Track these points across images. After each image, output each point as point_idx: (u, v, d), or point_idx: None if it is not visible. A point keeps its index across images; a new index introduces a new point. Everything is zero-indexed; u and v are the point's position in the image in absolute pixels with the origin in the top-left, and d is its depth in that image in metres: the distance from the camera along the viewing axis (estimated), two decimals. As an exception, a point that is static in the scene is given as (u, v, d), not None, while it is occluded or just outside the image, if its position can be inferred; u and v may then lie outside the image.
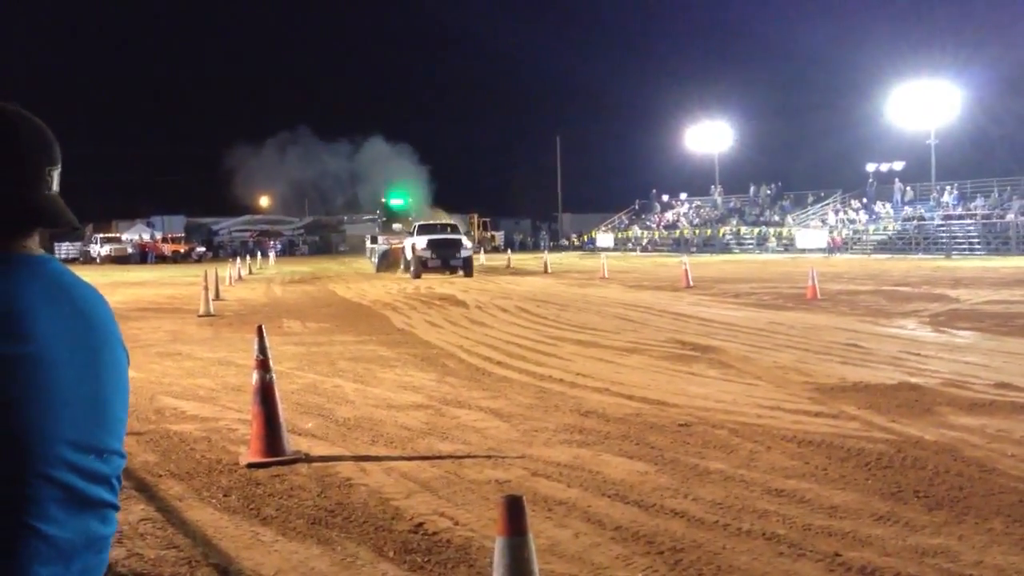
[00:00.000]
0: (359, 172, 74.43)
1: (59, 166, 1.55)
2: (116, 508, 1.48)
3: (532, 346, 13.15)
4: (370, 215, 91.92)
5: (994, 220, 44.60)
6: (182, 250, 63.98)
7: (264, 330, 6.94)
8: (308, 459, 6.76)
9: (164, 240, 66.19)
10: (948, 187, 50.96)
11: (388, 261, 38.06)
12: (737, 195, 67.59)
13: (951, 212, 48.25)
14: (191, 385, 10.36)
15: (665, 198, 74.44)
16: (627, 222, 74.99)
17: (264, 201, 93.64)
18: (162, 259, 60.80)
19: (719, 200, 67.99)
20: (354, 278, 34.96)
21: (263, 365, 6.83)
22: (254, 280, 35.83)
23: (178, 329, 16.62)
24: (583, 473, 6.22)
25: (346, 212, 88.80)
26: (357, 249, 78.95)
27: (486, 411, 8.46)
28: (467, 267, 32.60)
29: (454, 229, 35.34)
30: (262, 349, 6.84)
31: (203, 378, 10.92)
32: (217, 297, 23.12)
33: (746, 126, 69.27)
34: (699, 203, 70.41)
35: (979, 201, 48.06)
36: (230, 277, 32.94)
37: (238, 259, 42.15)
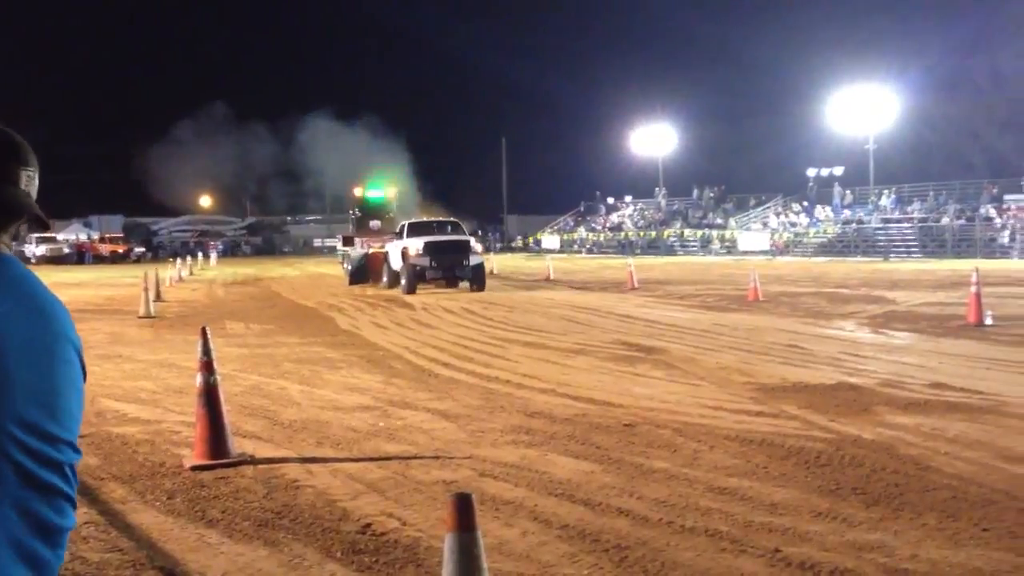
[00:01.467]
0: (304, 160, 60.58)
1: (32, 168, 1.57)
2: (72, 501, 1.49)
3: (479, 347, 13.18)
4: (315, 215, 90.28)
5: (930, 223, 45.53)
6: (120, 250, 62.91)
7: (208, 331, 6.89)
8: (253, 461, 6.73)
9: (102, 240, 65.00)
10: (886, 191, 51.90)
11: (366, 270, 29.24)
12: (681, 198, 68.22)
13: (889, 216, 49.16)
14: (132, 388, 10.23)
15: (610, 200, 74.91)
16: (573, 224, 75.35)
17: (205, 201, 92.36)
18: (100, 260, 59.74)
19: (663, 203, 68.58)
20: (306, 286, 34.60)
21: (207, 367, 6.78)
22: (195, 281, 35.42)
23: (118, 331, 16.39)
24: (530, 473, 6.27)
25: (291, 212, 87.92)
26: (301, 250, 78.30)
27: (433, 412, 8.49)
28: (478, 278, 25.16)
29: (457, 228, 27.61)
30: (206, 351, 6.80)
31: (145, 380, 10.79)
32: (158, 298, 22.84)
33: (689, 129, 69.94)
34: (643, 205, 70.96)
35: (916, 205, 49.04)
36: (170, 278, 32.52)
37: (179, 260, 41.59)
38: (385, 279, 27.50)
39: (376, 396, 9.42)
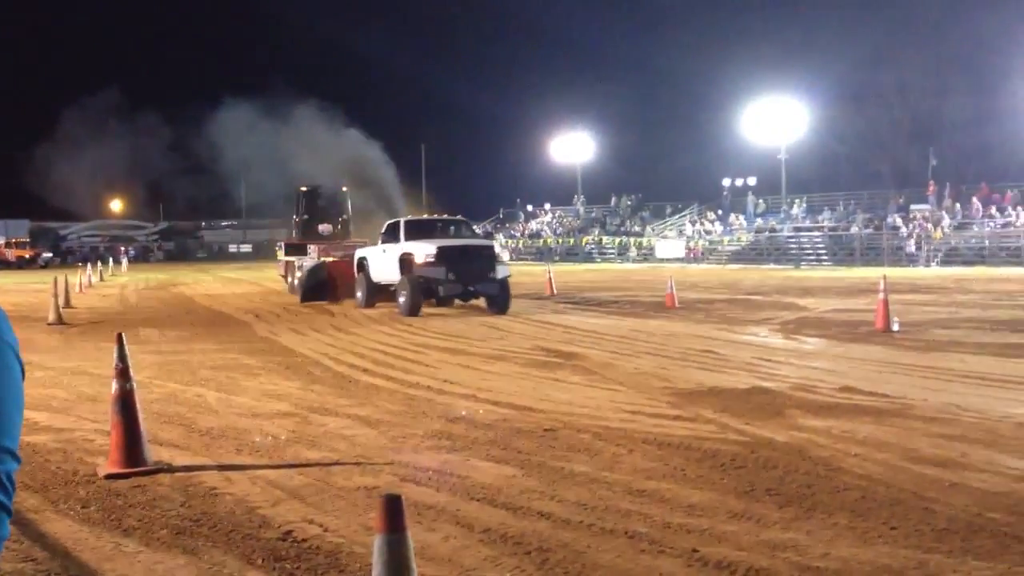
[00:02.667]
0: (215, 158, 47.55)
1: None
2: (7, 510, 1.47)
3: (399, 354, 13.15)
4: (231, 220, 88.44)
5: (840, 232, 46.73)
6: (27, 255, 61.17)
7: (124, 338, 6.77)
8: (170, 469, 6.63)
9: (7, 245, 63.07)
10: (797, 200, 53.12)
11: (325, 283, 23.30)
12: (599, 205, 68.87)
13: (800, 224, 50.33)
14: (43, 395, 9.98)
15: (529, 208, 75.26)
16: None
17: (116, 205, 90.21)
18: (5, 265, 57.98)
19: (581, 210, 69.14)
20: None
21: (123, 374, 6.66)
22: (106, 287, 34.63)
23: (26, 338, 15.93)
24: (452, 478, 6.30)
25: (205, 217, 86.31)
26: (216, 256, 76.89)
27: (354, 418, 8.45)
28: (503, 297, 19.37)
29: (468, 229, 22.70)
30: (122, 357, 6.68)
31: (56, 388, 10.54)
32: (67, 304, 22.26)
33: (608, 138, 70.68)
34: (562, 213, 71.45)
35: (826, 214, 50.28)
36: (80, 284, 31.71)
37: (89, 265, 40.56)
38: (360, 295, 21.57)
39: (295, 403, 9.34)
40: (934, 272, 35.64)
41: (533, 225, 72.07)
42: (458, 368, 11.67)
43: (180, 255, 78.84)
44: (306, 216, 30.50)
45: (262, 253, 68.67)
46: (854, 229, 45.96)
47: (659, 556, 4.71)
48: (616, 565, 4.58)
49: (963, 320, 16.48)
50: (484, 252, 19.98)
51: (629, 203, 65.91)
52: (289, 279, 28.05)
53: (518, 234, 71.13)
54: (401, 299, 19.09)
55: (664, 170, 71.77)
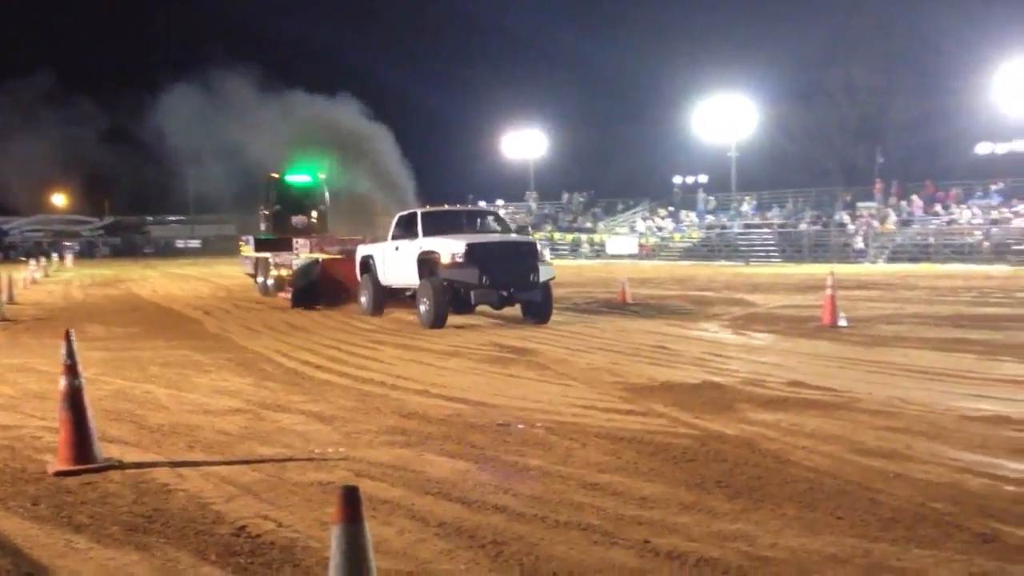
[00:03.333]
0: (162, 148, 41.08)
1: None
2: None
3: (352, 350, 13.12)
4: (178, 216, 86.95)
5: (788, 229, 47.34)
6: (-32, 251, 59.92)
7: (72, 334, 6.69)
8: (121, 466, 6.56)
9: (-52, 240, 61.68)
10: (747, 198, 53.73)
11: (317, 286, 20.49)
12: (551, 202, 69.10)
13: (750, 221, 50.91)
14: (-11, 393, 9.82)
15: (482, 204, 75.28)
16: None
17: (60, 200, 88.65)
18: (-54, 261, 56.82)
19: (534, 206, 69.31)
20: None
21: (71, 370, 6.58)
22: (51, 283, 34.08)
23: (-30, 334, 15.66)
24: (406, 472, 6.32)
25: (153, 212, 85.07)
26: (164, 252, 75.84)
27: (307, 414, 8.43)
28: (545, 304, 16.59)
29: (500, 223, 19.11)
30: (70, 353, 6.60)
31: (2, 385, 10.37)
32: (11, 301, 21.90)
33: (560, 135, 70.85)
34: (514, 209, 71.56)
35: (775, 211, 50.91)
36: (24, 280, 31.19)
37: (32, 261, 39.87)
38: (365, 300, 18.57)
39: (248, 399, 9.29)
40: (880, 269, 36.25)
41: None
42: (412, 364, 11.68)
43: (126, 251, 77.62)
44: (278, 207, 27.47)
45: (211, 249, 67.96)
46: (802, 226, 46.59)
47: (611, 547, 4.77)
48: (569, 557, 4.63)
49: (908, 316, 16.81)
50: (524, 250, 16.62)
51: (581, 200, 66.22)
52: (260, 278, 25.43)
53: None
54: (422, 307, 15.94)
55: (616, 167, 72.21)
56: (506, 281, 15.87)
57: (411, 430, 7.69)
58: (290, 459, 6.76)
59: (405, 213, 18.42)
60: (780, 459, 6.51)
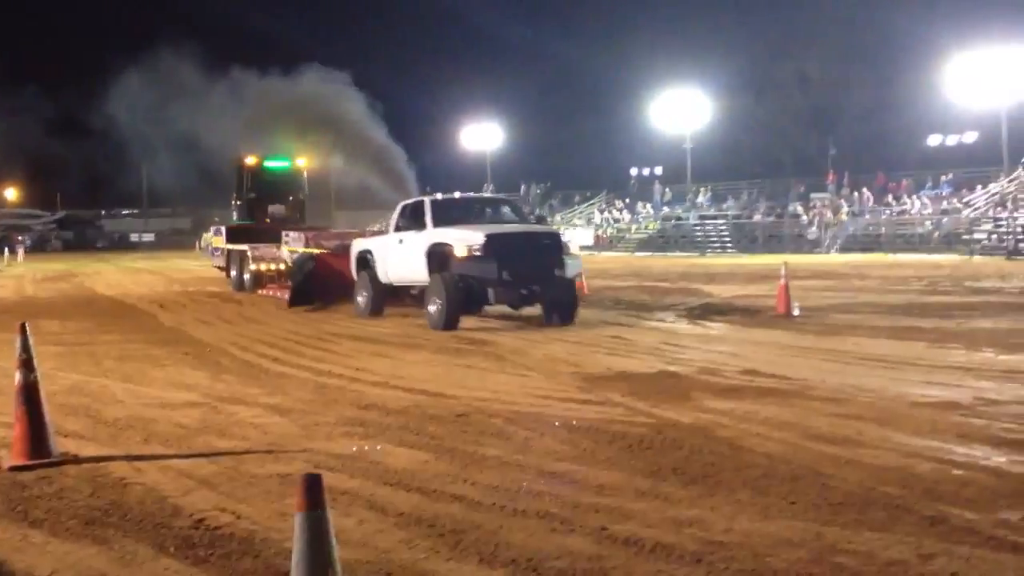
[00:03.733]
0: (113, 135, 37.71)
1: None
2: None
3: (309, 342, 13.09)
4: (131, 209, 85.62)
5: (743, 220, 47.81)
6: (-83, 245, 58.69)
7: (27, 327, 6.63)
8: (77, 460, 6.51)
9: None
10: (703, 189, 54.13)
11: (312, 284, 18.29)
12: (508, 194, 69.13)
13: (705, 212, 51.31)
14: (-61, 388, 9.66)
15: (439, 196, 75.10)
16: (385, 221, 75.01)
17: (11, 194, 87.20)
18: None
19: (491, 198, 69.35)
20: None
21: (26, 364, 6.52)
22: (1, 278, 33.52)
23: (-81, 330, 15.38)
24: (365, 464, 6.33)
25: (106, 205, 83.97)
26: (117, 245, 74.86)
27: (265, 407, 8.41)
28: (571, 301, 14.83)
29: (517, 212, 17.47)
30: (25, 348, 6.54)
31: (-47, 381, 10.21)
32: (-38, 295, 21.54)
33: (517, 127, 70.82)
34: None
35: (730, 202, 51.36)
36: (-25, 274, 30.67)
37: (-17, 255, 39.20)
38: (362, 300, 16.62)
39: (204, 392, 9.24)
40: (833, 259, 36.73)
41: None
42: (370, 356, 11.67)
43: (79, 245, 76.53)
44: (253, 195, 25.27)
45: (165, 242, 67.23)
46: (757, 217, 47.07)
47: (569, 535, 4.83)
48: (528, 544, 4.68)
49: (860, 305, 17.08)
50: (547, 242, 15.03)
51: (538, 191, 66.34)
52: (234, 272, 23.55)
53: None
54: (432, 307, 14.17)
55: (573, 159, 72.40)
56: (529, 277, 14.15)
57: (370, 421, 7.70)
58: (248, 452, 6.74)
59: (410, 201, 16.79)
60: (734, 446, 6.61)
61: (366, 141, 25.18)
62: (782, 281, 15.49)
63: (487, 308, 14.87)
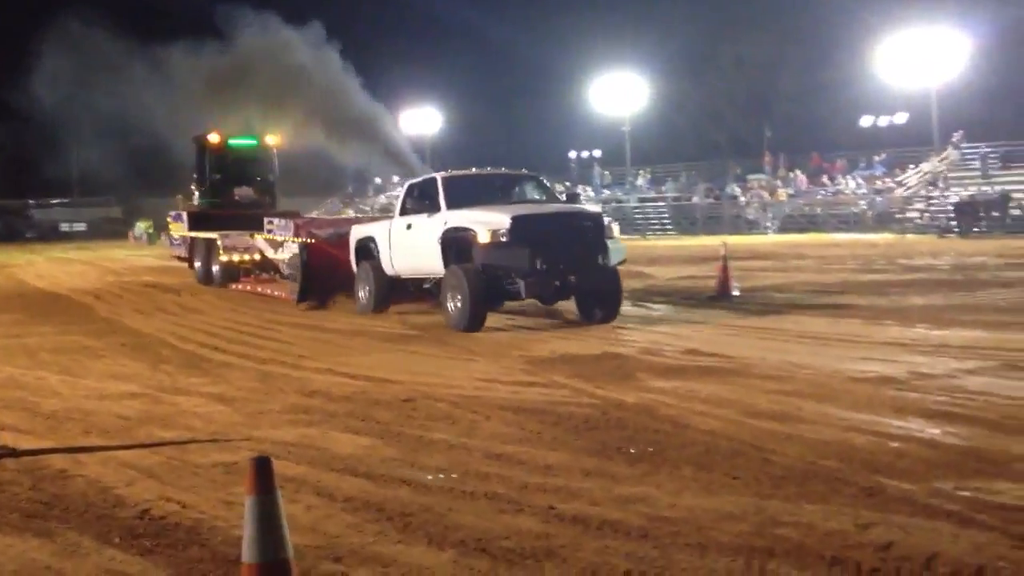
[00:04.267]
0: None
1: None
2: None
3: (251, 331, 12.97)
4: (61, 198, 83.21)
5: (683, 202, 48.21)
6: None
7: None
8: (15, 453, 6.41)
9: None
10: (642, 172, 54.46)
11: (316, 279, 15.94)
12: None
13: (645, 195, 51.63)
14: None
15: (378, 181, 74.64)
16: (341, 205, 74.54)
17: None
18: None
19: (431, 184, 69.10)
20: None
21: (-40, 357, 6.38)
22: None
23: None
24: (311, 450, 6.32)
25: (34, 195, 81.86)
26: (48, 236, 73.10)
27: (207, 396, 8.33)
28: (614, 294, 12.74)
29: (543, 190, 15.07)
30: (-42, 340, 6.41)
31: None
32: None
33: (456, 111, 70.58)
34: (412, 186, 71.16)
35: (669, 184, 51.74)
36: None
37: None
38: (364, 294, 14.71)
39: (145, 383, 9.12)
40: (771, 239, 37.24)
41: (383, 199, 71.59)
42: (313, 343, 11.61)
43: (7, 235, 74.43)
44: (217, 176, 22.77)
45: (97, 232, 65.92)
46: (695, 199, 47.50)
47: (518, 515, 4.88)
48: (476, 525, 4.72)
49: (798, 284, 17.37)
50: (587, 224, 12.93)
51: (479, 176, 66.20)
52: (198, 263, 21.43)
53: (368, 208, 70.55)
54: (451, 304, 12.27)
55: (512, 142, 72.28)
56: (567, 265, 12.15)
57: (315, 408, 7.68)
58: (192, 441, 6.68)
59: (418, 180, 14.83)
60: (678, 424, 6.70)
61: (350, 106, 22.81)
62: (722, 262, 15.69)
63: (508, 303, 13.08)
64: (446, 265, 12.66)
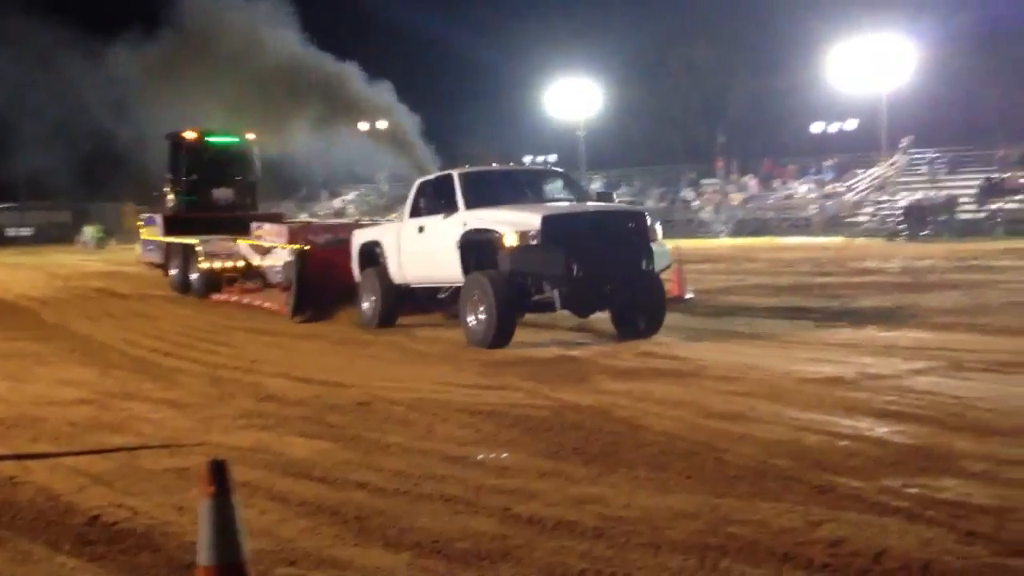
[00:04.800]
0: None
1: None
2: None
3: (202, 335, 12.84)
4: (6, 203, 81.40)
5: (637, 207, 48.52)
6: None
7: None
8: (-39, 461, 6.29)
9: None
10: (596, 176, 54.69)
11: (313, 290, 14.56)
12: (403, 183, 68.74)
13: (599, 200, 51.82)
14: None
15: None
16: (294, 210, 74.00)
17: None
18: None
19: (386, 187, 68.85)
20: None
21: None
22: None
23: None
24: (265, 455, 6.27)
25: None
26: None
27: (159, 402, 8.24)
28: (658, 305, 11.48)
29: (575, 187, 13.95)
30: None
31: None
32: None
33: (410, 115, 70.36)
34: (366, 190, 70.89)
35: (623, 189, 52.01)
36: None
37: None
38: (368, 305, 13.28)
39: (94, 389, 8.99)
40: (725, 242, 37.60)
41: (336, 203, 71.20)
42: (266, 347, 11.53)
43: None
44: (194, 177, 21.27)
45: (44, 237, 64.82)
46: (650, 203, 47.81)
47: (474, 516, 4.88)
48: (432, 527, 4.72)
49: (750, 287, 17.55)
50: (630, 225, 11.49)
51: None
52: (174, 271, 20.01)
53: (321, 212, 70.11)
54: (471, 318, 10.95)
55: (466, 147, 72.21)
56: (607, 272, 10.87)
57: (269, 413, 7.62)
58: (143, 447, 6.61)
59: (432, 177, 13.42)
60: (633, 425, 6.75)
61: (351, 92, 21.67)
62: (675, 265, 15.78)
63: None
64: (465, 272, 11.28)
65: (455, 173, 12.43)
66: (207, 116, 22.23)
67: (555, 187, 13.58)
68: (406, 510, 5.00)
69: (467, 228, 11.37)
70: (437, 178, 13.02)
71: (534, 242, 10.60)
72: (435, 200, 12.25)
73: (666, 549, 4.32)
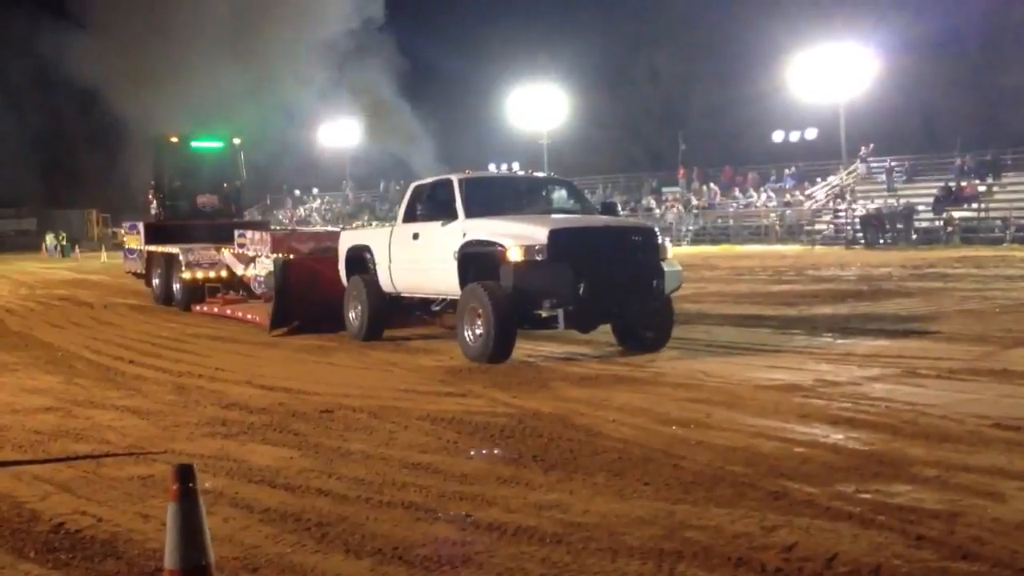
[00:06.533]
0: None
1: None
2: None
3: (166, 344, 12.82)
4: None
5: (600, 214, 48.78)
6: None
7: None
8: (-77, 471, 6.28)
9: None
10: (561, 184, 54.92)
11: (295, 301, 13.76)
12: (368, 191, 68.64)
13: (563, 207, 52.04)
14: None
15: (297, 193, 73.94)
16: (259, 217, 73.59)
17: None
18: None
19: (351, 195, 68.73)
20: None
21: None
22: None
23: None
24: (229, 463, 6.32)
25: None
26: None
27: (123, 410, 8.24)
28: (665, 322, 10.99)
29: (576, 195, 13.02)
30: None
31: None
32: None
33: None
34: (331, 198, 70.70)
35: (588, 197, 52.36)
36: None
37: None
38: (354, 316, 12.69)
39: (58, 397, 8.98)
40: (684, 250, 37.87)
41: (301, 211, 70.94)
42: (229, 355, 11.54)
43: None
44: (177, 183, 20.85)
45: (8, 245, 64.01)
46: (614, 211, 48.12)
47: (435, 523, 4.97)
48: (394, 534, 4.80)
49: (709, 294, 17.78)
50: (638, 240, 10.96)
51: (398, 188, 66.05)
52: (156, 281, 19.37)
53: (286, 220, 69.80)
54: (468, 333, 10.44)
55: (431, 155, 72.19)
56: (615, 291, 10.41)
57: (232, 420, 7.66)
58: (107, 455, 6.63)
59: (428, 182, 12.51)
60: (591, 432, 6.87)
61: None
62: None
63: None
64: (463, 285, 10.66)
65: (455, 178, 11.72)
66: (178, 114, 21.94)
67: (559, 197, 12.87)
68: (368, 517, 5.08)
69: (467, 239, 10.78)
70: (435, 183, 12.25)
71: (539, 257, 10.04)
72: (431, 206, 11.51)
73: (623, 554, 4.43)
